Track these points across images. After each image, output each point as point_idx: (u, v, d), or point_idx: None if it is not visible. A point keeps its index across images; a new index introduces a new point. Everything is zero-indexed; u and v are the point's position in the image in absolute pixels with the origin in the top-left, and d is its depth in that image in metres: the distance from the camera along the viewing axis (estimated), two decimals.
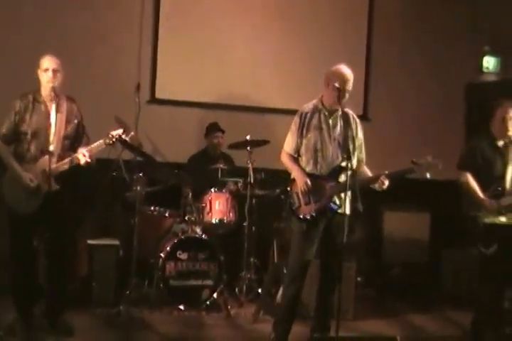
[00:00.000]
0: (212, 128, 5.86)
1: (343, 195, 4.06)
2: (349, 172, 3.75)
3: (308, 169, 4.11)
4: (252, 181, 5.28)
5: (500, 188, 4.37)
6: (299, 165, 4.13)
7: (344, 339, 3.71)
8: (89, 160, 4.03)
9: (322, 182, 4.05)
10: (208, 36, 6.16)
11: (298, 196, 4.07)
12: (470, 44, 6.77)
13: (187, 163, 5.85)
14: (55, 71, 4.10)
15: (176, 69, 6.10)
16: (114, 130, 4.14)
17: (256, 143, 5.34)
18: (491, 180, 4.41)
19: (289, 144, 4.19)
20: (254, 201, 5.35)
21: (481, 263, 4.43)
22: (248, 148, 5.30)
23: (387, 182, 3.92)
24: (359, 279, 5.29)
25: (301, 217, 4.05)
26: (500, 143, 4.48)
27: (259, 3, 6.34)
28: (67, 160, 4.06)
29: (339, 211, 4.05)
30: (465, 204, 4.47)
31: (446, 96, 6.77)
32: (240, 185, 5.48)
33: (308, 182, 4.02)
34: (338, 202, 4.05)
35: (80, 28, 5.79)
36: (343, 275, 3.79)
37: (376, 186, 3.97)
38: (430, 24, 6.73)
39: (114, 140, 4.09)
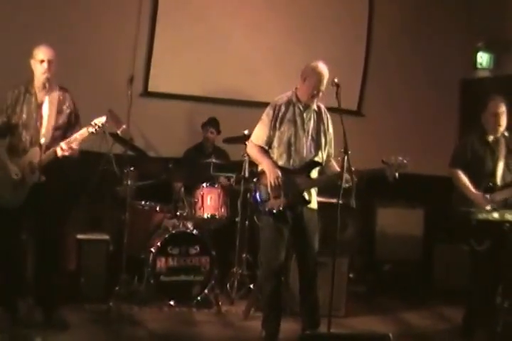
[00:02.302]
0: (209, 123, 5.81)
1: (312, 190, 4.05)
2: (345, 167, 3.72)
3: (280, 163, 4.07)
4: (246, 175, 5.23)
5: (491, 184, 4.37)
6: (270, 158, 4.08)
7: (335, 336, 3.65)
8: (66, 153, 3.94)
9: (293, 177, 4.01)
10: (203, 30, 6.09)
11: (267, 189, 4.01)
12: (464, 40, 6.77)
13: (183, 156, 5.81)
14: (50, 62, 4.04)
15: (170, 62, 6.02)
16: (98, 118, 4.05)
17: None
18: (482, 176, 4.41)
19: (259, 136, 4.13)
20: (247, 196, 5.31)
21: (474, 260, 4.43)
22: (246, 142, 5.24)
23: (354, 179, 3.84)
24: (351, 275, 5.26)
25: (267, 210, 4.00)
26: (491, 138, 4.47)
27: None
28: (49, 152, 3.98)
29: (309, 206, 4.03)
30: (456, 200, 4.46)
31: (440, 93, 6.77)
32: (232, 180, 5.44)
33: (280, 176, 3.98)
34: (307, 197, 4.02)
35: (74, 19, 5.69)
36: (335, 272, 3.75)
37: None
38: (425, 21, 6.72)
39: (97, 128, 3.99)
